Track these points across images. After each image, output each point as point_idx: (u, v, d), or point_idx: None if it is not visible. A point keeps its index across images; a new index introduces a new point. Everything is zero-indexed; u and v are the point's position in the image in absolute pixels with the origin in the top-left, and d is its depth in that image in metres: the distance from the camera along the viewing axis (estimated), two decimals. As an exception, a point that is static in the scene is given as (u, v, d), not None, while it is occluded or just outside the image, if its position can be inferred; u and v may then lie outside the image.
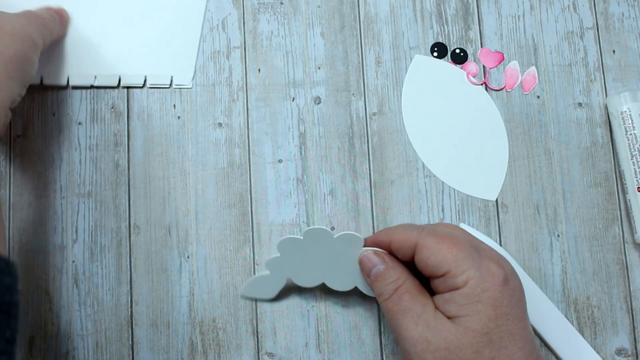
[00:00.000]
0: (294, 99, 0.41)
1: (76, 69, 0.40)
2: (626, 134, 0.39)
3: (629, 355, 0.38)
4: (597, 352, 0.38)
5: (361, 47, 0.42)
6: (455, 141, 0.41)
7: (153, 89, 0.41)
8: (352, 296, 0.39)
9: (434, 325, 0.29)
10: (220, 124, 0.41)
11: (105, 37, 0.41)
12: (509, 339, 0.29)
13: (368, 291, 0.35)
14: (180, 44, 0.42)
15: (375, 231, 0.40)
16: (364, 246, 0.35)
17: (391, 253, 0.34)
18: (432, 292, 0.32)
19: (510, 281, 0.30)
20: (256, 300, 0.39)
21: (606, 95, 0.42)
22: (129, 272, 0.39)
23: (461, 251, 0.30)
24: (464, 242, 0.30)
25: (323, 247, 0.36)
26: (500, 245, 0.40)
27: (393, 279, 0.32)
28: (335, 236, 0.35)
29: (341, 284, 0.36)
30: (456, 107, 0.41)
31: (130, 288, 0.39)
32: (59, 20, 0.39)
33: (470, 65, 0.42)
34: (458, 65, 0.42)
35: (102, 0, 0.41)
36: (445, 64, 0.42)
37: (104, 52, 0.41)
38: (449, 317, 0.30)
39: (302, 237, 0.36)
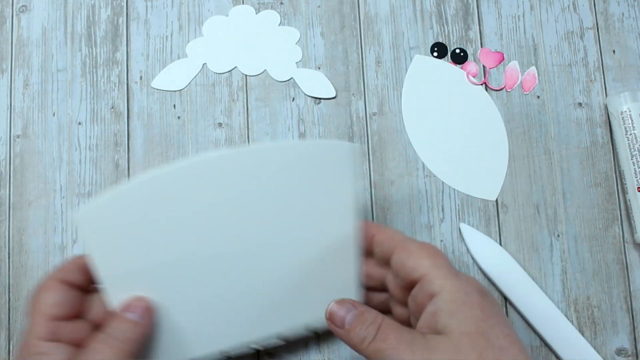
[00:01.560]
0: (294, 99, 0.42)
1: None
2: (626, 134, 0.39)
3: (629, 355, 0.38)
4: (597, 352, 0.38)
5: (361, 47, 0.42)
6: (456, 141, 0.41)
7: (154, 90, 0.41)
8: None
9: (428, 345, 0.28)
10: (220, 124, 0.41)
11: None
12: (506, 340, 0.28)
13: None
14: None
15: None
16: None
17: (369, 248, 0.34)
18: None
19: (488, 295, 0.30)
20: (166, 90, 0.39)
21: (606, 95, 0.42)
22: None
23: (440, 259, 0.30)
24: (443, 255, 0.30)
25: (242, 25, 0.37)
26: (501, 245, 0.40)
27: (372, 320, 0.30)
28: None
29: (253, 69, 0.38)
30: (456, 107, 0.41)
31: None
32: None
33: (470, 65, 0.42)
34: (458, 65, 0.42)
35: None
36: (445, 64, 0.42)
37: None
38: (439, 333, 0.28)
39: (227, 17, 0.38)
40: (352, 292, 0.34)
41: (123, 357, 0.29)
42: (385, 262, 0.32)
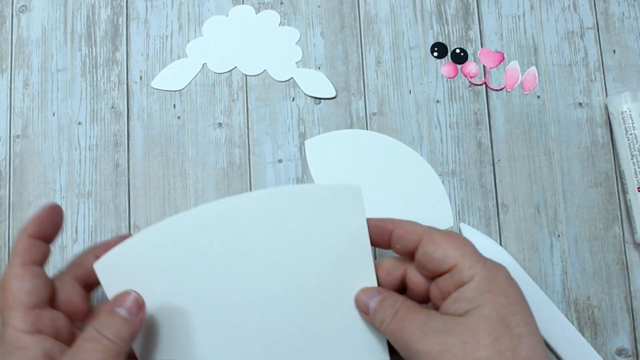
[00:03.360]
0: (294, 99, 0.41)
1: None
2: (626, 134, 0.39)
3: (629, 356, 0.38)
4: (598, 352, 0.38)
5: (361, 47, 0.42)
6: (387, 196, 0.40)
7: (154, 90, 0.41)
8: (352, 296, 0.39)
9: (444, 327, 0.28)
10: (220, 124, 0.41)
11: None
12: (526, 328, 0.27)
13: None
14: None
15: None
16: (369, 226, 0.33)
17: (388, 243, 0.32)
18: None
19: (514, 282, 0.29)
20: (166, 90, 0.39)
21: (606, 95, 0.42)
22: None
23: (467, 247, 0.30)
24: (469, 242, 0.30)
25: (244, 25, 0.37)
26: (501, 245, 0.40)
27: (391, 304, 0.30)
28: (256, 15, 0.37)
29: (253, 69, 0.38)
30: (367, 165, 0.40)
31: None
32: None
33: (471, 65, 0.42)
34: (458, 65, 0.42)
35: None
36: (335, 134, 0.41)
37: None
38: (459, 316, 0.28)
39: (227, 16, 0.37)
40: (380, 346, 0.33)
41: (114, 357, 0.28)
42: (408, 256, 0.32)
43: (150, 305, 0.31)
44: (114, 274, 0.31)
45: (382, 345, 0.32)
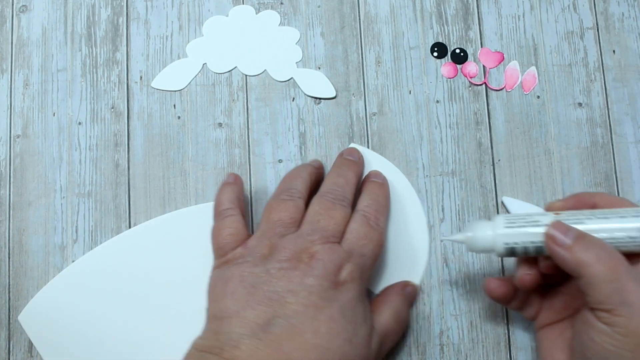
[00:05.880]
0: (294, 99, 0.42)
1: None
2: None
3: (629, 355, 0.38)
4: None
5: (361, 47, 0.42)
6: None
7: (154, 90, 0.41)
8: (352, 296, 0.39)
9: None
10: (220, 124, 0.41)
11: None
12: None
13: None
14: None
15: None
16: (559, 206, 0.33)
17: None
18: None
19: None
20: (166, 90, 0.40)
21: (606, 96, 0.42)
22: (129, 272, 0.39)
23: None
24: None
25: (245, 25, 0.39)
26: (500, 245, 0.40)
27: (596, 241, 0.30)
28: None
29: (253, 69, 0.40)
30: None
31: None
32: None
33: (470, 65, 0.42)
34: (458, 65, 0.42)
35: None
36: (380, 158, 0.40)
37: None
38: None
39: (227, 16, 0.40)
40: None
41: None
42: None
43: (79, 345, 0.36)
44: (38, 322, 0.36)
45: None
